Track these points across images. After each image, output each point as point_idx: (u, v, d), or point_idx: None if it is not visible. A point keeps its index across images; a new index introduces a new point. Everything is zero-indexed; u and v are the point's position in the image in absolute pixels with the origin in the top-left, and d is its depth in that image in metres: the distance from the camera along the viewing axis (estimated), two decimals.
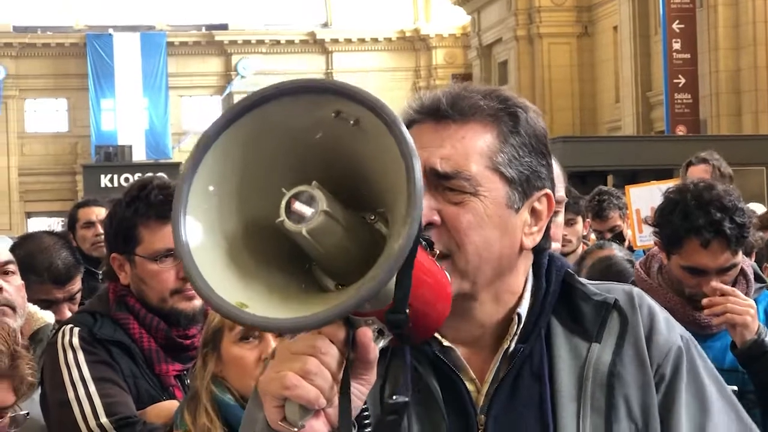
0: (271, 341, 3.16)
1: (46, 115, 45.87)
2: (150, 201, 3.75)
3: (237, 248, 1.70)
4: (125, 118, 43.44)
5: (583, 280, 2.13)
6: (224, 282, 1.65)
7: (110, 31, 44.41)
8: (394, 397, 1.77)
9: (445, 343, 2.02)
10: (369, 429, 1.80)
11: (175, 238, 1.66)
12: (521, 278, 2.07)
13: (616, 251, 6.34)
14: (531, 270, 2.10)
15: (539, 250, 2.11)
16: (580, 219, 7.04)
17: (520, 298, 2.06)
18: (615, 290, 2.09)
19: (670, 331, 2.07)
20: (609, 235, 8.33)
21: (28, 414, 3.05)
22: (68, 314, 4.88)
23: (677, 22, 28.31)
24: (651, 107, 31.26)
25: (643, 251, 7.31)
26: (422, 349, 2.00)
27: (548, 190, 2.07)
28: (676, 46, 28.34)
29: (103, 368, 3.63)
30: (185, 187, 1.67)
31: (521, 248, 2.04)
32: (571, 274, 2.12)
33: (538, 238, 2.07)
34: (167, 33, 44.77)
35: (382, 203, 1.69)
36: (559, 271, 2.10)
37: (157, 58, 43.97)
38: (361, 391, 1.75)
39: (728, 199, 4.06)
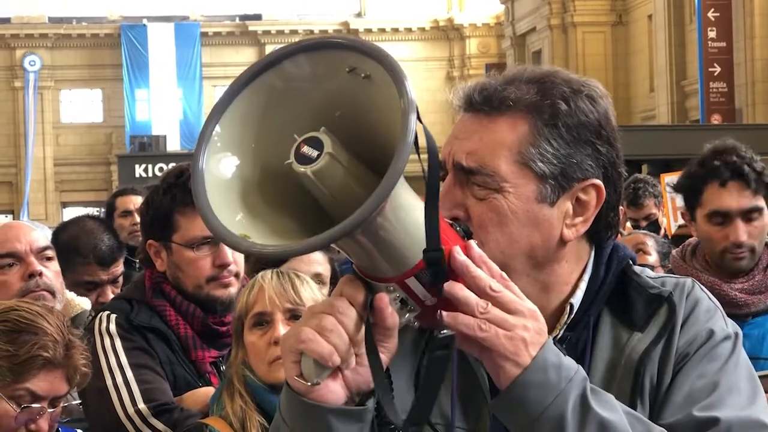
0: (280, 327, 3.20)
1: (81, 106, 46.11)
2: (187, 188, 3.71)
3: (249, 190, 1.77)
4: (159, 109, 43.60)
5: (644, 271, 2.10)
6: (231, 216, 1.73)
7: (144, 21, 44.58)
8: (443, 332, 1.74)
9: None
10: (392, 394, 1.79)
11: (193, 170, 1.76)
12: (573, 267, 2.05)
13: (642, 235, 6.36)
14: (593, 259, 2.07)
15: (601, 240, 2.08)
16: None
17: (576, 287, 2.04)
18: (669, 282, 2.06)
19: (710, 320, 2.02)
20: (644, 223, 8.30)
21: (81, 404, 3.08)
22: (111, 296, 4.94)
23: (712, 10, 28.16)
24: (686, 96, 31.11)
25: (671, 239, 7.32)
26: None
27: (596, 180, 2.02)
28: (712, 34, 28.20)
29: (140, 355, 3.65)
30: (209, 128, 1.78)
31: (562, 239, 2.01)
32: (630, 265, 2.09)
33: (582, 228, 2.03)
34: (201, 23, 44.90)
35: (388, 155, 1.69)
36: (620, 262, 2.08)
37: (191, 49, 44.11)
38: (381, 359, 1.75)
39: (744, 151, 4.12)
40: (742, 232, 4.06)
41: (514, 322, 1.75)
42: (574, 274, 2.05)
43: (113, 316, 3.72)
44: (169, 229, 3.78)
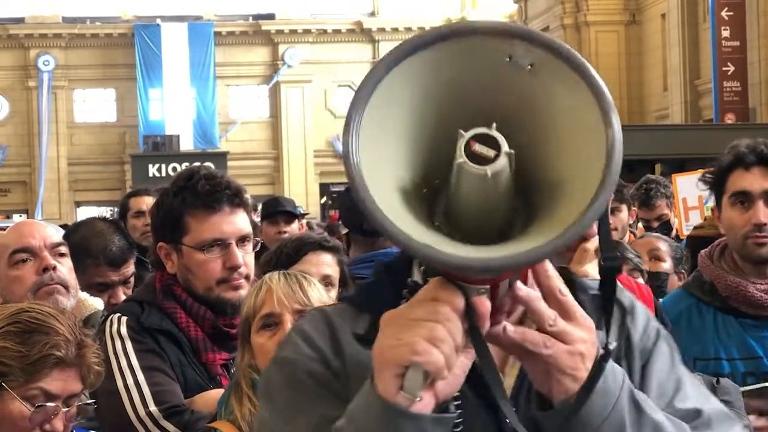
0: (288, 327, 3.18)
1: (95, 105, 46.18)
2: (197, 191, 3.75)
3: (407, 191, 1.65)
4: (173, 108, 43.65)
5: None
6: (410, 225, 1.59)
7: (158, 21, 44.63)
8: (612, 344, 1.74)
9: None
10: (460, 410, 1.74)
11: (350, 174, 1.59)
12: None
13: (654, 238, 6.34)
14: None
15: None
16: (624, 207, 7.02)
17: None
18: (593, 283, 2.07)
19: (649, 316, 2.09)
20: (656, 224, 8.31)
21: (95, 404, 3.09)
22: (122, 297, 4.95)
23: (726, 9, 28.08)
24: (699, 95, 31.03)
25: (686, 240, 7.30)
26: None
27: None
28: (725, 33, 28.12)
29: (151, 357, 3.66)
30: (353, 130, 1.60)
31: None
32: (565, 268, 2.08)
33: None
34: (214, 23, 44.93)
35: (559, 161, 1.63)
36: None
37: (204, 48, 44.15)
38: (465, 364, 1.70)
39: None
40: (762, 213, 4.02)
41: (575, 335, 1.74)
42: None
43: (124, 319, 3.73)
44: (179, 232, 3.79)
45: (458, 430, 1.76)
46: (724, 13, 28.09)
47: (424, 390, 1.64)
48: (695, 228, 7.16)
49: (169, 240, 3.82)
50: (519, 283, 1.70)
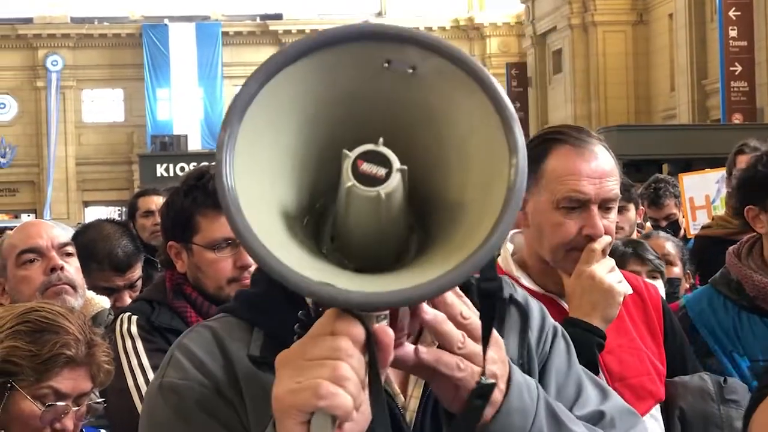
0: None
1: (103, 105, 46.24)
2: (208, 190, 3.74)
3: (292, 217, 1.50)
4: (180, 108, 43.70)
5: None
6: (299, 261, 1.42)
7: (166, 21, 44.69)
8: (484, 379, 1.62)
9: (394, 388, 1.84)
10: None
11: (221, 190, 1.41)
12: None
13: (662, 239, 6.30)
14: None
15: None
16: (632, 206, 7.01)
17: None
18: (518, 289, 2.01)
19: (545, 315, 2.03)
20: (664, 223, 8.29)
21: (105, 403, 3.10)
22: (128, 301, 4.93)
23: (733, 9, 28.06)
24: (706, 95, 31.01)
25: (693, 240, 7.29)
26: None
27: None
28: (733, 33, 28.10)
29: (161, 356, 3.59)
30: (226, 151, 1.42)
31: None
32: None
33: None
34: (222, 23, 44.98)
35: (454, 174, 1.49)
36: None
37: (212, 48, 44.20)
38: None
39: None
40: None
41: (486, 356, 1.63)
42: None
43: (134, 318, 3.74)
44: (190, 231, 3.79)
45: None
46: (731, 13, 28.06)
47: None
48: (703, 228, 7.13)
49: (180, 239, 3.82)
50: (425, 306, 1.57)
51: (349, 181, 1.42)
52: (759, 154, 4.08)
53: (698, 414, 3.36)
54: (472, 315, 1.63)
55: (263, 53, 44.75)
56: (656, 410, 3.27)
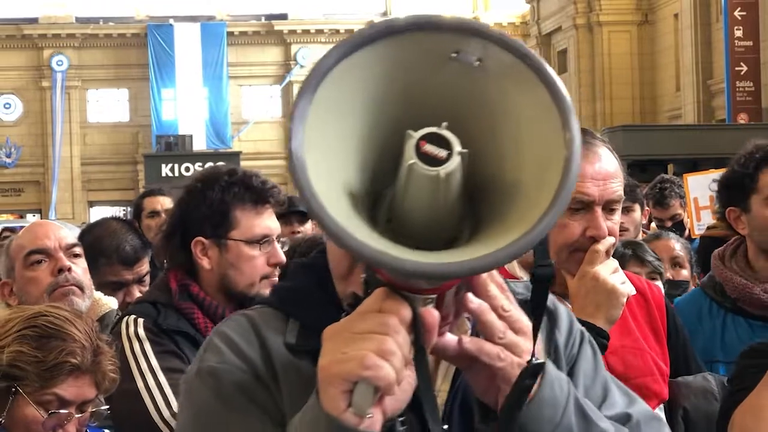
0: None
1: (108, 105, 46.24)
2: (250, 186, 3.79)
3: (354, 196, 1.56)
4: (185, 108, 43.70)
5: None
6: (360, 231, 1.48)
7: (171, 21, 44.69)
8: (535, 359, 1.68)
9: None
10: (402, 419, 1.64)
11: (295, 176, 1.48)
12: None
13: (673, 240, 6.28)
14: None
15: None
16: (637, 207, 7.01)
17: None
18: (519, 285, 2.03)
19: (572, 320, 2.07)
20: (670, 224, 8.30)
21: (109, 409, 3.11)
22: (138, 295, 4.92)
23: (739, 9, 28.04)
24: (712, 95, 30.99)
25: (698, 240, 7.28)
26: None
27: None
28: (738, 33, 28.08)
29: (170, 358, 3.65)
30: (298, 129, 1.49)
31: None
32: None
33: None
34: (227, 23, 44.98)
35: (512, 159, 1.55)
36: None
37: (217, 48, 44.20)
38: (412, 378, 1.62)
39: None
40: None
41: (524, 347, 1.69)
42: None
43: (141, 320, 3.72)
44: (225, 226, 3.78)
45: None
46: (737, 13, 28.04)
47: (373, 407, 1.55)
48: (708, 228, 7.14)
49: (211, 235, 3.79)
50: (470, 295, 1.65)
51: (411, 159, 1.49)
52: (740, 155, 4.07)
53: (702, 414, 3.37)
54: (512, 308, 1.69)
55: (268, 53, 44.80)
56: (660, 410, 3.28)
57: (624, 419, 1.94)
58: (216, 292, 3.80)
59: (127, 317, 3.79)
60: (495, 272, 1.69)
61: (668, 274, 5.87)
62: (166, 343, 3.68)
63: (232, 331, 1.92)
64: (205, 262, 3.80)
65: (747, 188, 3.99)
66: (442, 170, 1.49)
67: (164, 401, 3.55)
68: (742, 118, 27.28)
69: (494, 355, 1.66)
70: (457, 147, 1.50)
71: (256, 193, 3.79)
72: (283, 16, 45.77)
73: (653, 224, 8.44)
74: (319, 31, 45.46)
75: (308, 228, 8.37)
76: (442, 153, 1.49)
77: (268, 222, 3.82)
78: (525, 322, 1.71)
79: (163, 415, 3.53)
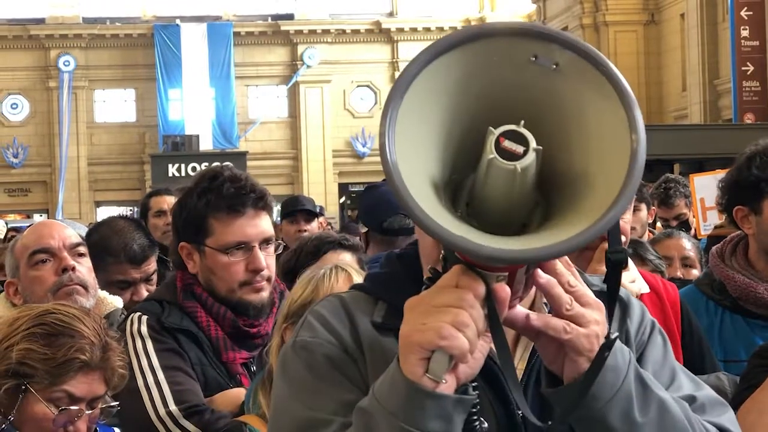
0: None
1: (115, 106, 46.29)
2: (222, 193, 3.76)
3: (437, 185, 1.70)
4: (192, 108, 43.72)
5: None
6: (444, 218, 1.64)
7: (177, 21, 44.71)
8: (613, 333, 1.82)
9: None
10: (476, 394, 1.80)
11: (387, 169, 1.63)
12: None
13: (684, 240, 6.25)
14: None
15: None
16: (644, 206, 7.01)
17: None
18: (595, 280, 2.15)
19: (644, 311, 2.18)
20: (675, 223, 8.29)
21: (118, 406, 3.12)
22: (145, 294, 4.96)
23: (745, 9, 28.01)
24: (718, 95, 30.95)
25: (706, 240, 7.27)
26: None
27: None
28: (744, 33, 28.05)
29: (171, 356, 3.66)
30: (389, 125, 1.65)
31: None
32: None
33: None
34: (233, 23, 45.01)
35: (583, 156, 1.68)
36: None
37: (223, 48, 44.23)
38: (485, 348, 1.77)
39: None
40: None
41: (589, 317, 1.82)
42: None
43: (144, 318, 3.74)
44: (202, 233, 3.79)
45: (475, 410, 1.81)
46: (743, 13, 28.01)
47: (447, 373, 1.72)
48: (716, 227, 7.13)
49: (192, 241, 3.82)
50: (540, 271, 1.79)
51: (491, 153, 1.64)
52: (750, 155, 4.05)
53: None
54: (578, 284, 1.83)
55: (275, 53, 44.83)
56: None
57: (689, 400, 2.02)
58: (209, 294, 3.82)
59: (132, 315, 3.80)
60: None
61: (678, 273, 5.86)
62: (168, 341, 3.70)
63: (325, 310, 2.08)
64: (190, 267, 3.84)
65: (762, 191, 3.97)
66: (519, 165, 1.63)
67: (161, 399, 3.56)
68: (749, 118, 27.24)
69: (560, 329, 1.79)
70: (533, 144, 1.64)
71: (227, 201, 3.77)
72: (289, 17, 45.78)
73: (659, 224, 8.43)
74: (326, 32, 45.48)
75: (314, 227, 8.40)
76: (520, 149, 1.63)
77: (245, 228, 3.79)
78: (590, 296, 1.84)
79: (159, 413, 3.55)
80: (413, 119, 1.66)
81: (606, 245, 3.08)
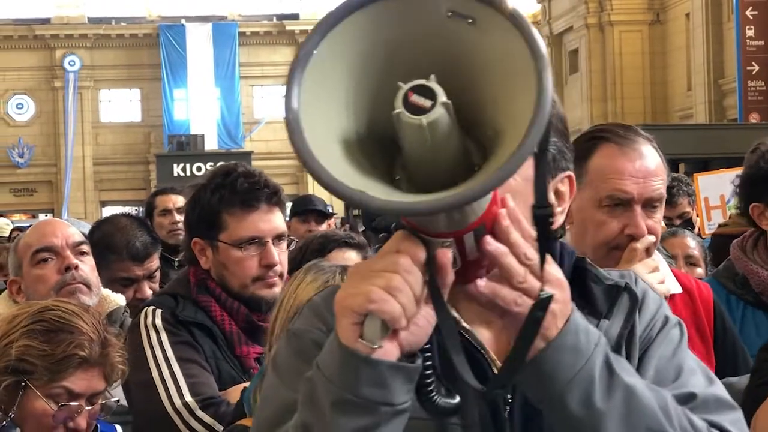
0: None
1: (120, 105, 46.36)
2: (236, 188, 3.77)
3: (350, 144, 1.66)
4: (197, 108, 43.76)
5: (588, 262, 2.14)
6: (342, 169, 1.61)
7: (182, 21, 44.77)
8: (543, 293, 1.71)
9: (464, 324, 1.99)
10: (430, 363, 1.74)
11: (288, 125, 1.60)
12: None
13: (689, 238, 6.25)
14: None
15: (553, 237, 2.03)
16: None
17: None
18: (614, 274, 2.12)
19: (660, 307, 2.10)
20: (678, 222, 8.28)
21: (118, 401, 3.12)
22: (148, 291, 5.01)
23: (750, 8, 28.00)
24: (723, 95, 30.93)
25: (710, 239, 7.27)
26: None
27: (571, 173, 2.08)
28: (750, 32, 28.04)
29: (186, 349, 3.68)
30: (294, 85, 1.62)
31: None
32: (582, 258, 2.12)
33: (561, 219, 2.07)
34: (239, 23, 45.04)
35: (494, 107, 1.64)
36: (571, 257, 2.10)
37: (228, 48, 44.27)
38: (430, 315, 1.71)
39: None
40: None
41: (546, 280, 1.74)
42: None
43: (159, 311, 3.75)
44: (216, 228, 3.80)
45: (430, 381, 1.75)
46: (748, 13, 28.00)
47: (385, 339, 1.67)
48: (720, 226, 7.13)
49: (205, 236, 3.83)
50: (488, 237, 1.71)
51: (398, 108, 1.60)
52: (762, 151, 4.04)
53: (745, 415, 3.28)
54: (537, 257, 1.73)
55: (280, 53, 44.81)
56: None
57: (688, 397, 1.95)
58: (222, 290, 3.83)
59: (147, 308, 3.81)
60: (526, 225, 1.74)
61: (683, 272, 5.84)
62: (183, 334, 3.71)
63: (320, 299, 2.07)
64: (203, 262, 3.84)
65: None
66: (425, 119, 1.58)
67: (176, 390, 3.57)
68: (754, 118, 27.22)
69: (510, 300, 1.72)
70: (441, 98, 1.59)
71: (240, 196, 3.78)
72: (294, 17, 45.80)
73: (662, 222, 8.42)
74: None
75: (324, 228, 8.38)
76: (427, 103, 1.59)
77: (259, 224, 3.80)
78: (553, 273, 1.76)
79: (174, 404, 3.55)
80: (323, 80, 1.64)
81: (636, 244, 3.08)
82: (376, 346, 1.67)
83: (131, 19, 45.84)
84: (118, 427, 3.36)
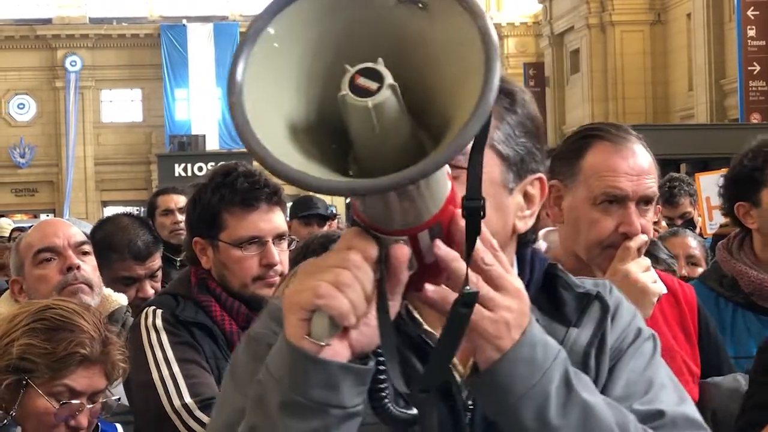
0: None
1: (121, 105, 46.38)
2: (236, 188, 3.77)
3: (294, 126, 1.62)
4: (198, 108, 43.79)
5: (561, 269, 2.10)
6: (284, 148, 1.57)
7: (184, 21, 44.79)
8: (468, 288, 1.63)
9: (426, 326, 1.94)
10: (382, 366, 1.69)
11: (231, 107, 1.57)
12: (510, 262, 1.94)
13: (690, 238, 6.25)
14: (516, 260, 2.02)
15: (524, 242, 2.04)
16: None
17: None
18: (588, 282, 2.06)
19: (634, 319, 2.05)
20: (680, 222, 8.29)
21: (119, 399, 3.13)
22: (150, 291, 5.01)
23: (752, 9, 27.99)
24: (725, 95, 30.92)
25: (712, 239, 7.27)
26: (406, 332, 1.91)
27: (542, 174, 2.01)
28: (751, 33, 28.03)
29: (186, 349, 3.67)
30: (239, 68, 1.58)
31: (513, 231, 1.97)
32: (554, 265, 2.07)
33: (530, 222, 2.01)
34: (240, 23, 45.04)
35: (444, 95, 1.60)
36: (542, 261, 2.06)
37: (230, 48, 44.21)
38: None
39: None
40: None
41: (500, 302, 1.68)
42: None
43: (159, 311, 3.74)
44: (216, 228, 3.80)
45: (383, 386, 1.70)
46: (749, 13, 27.99)
47: (334, 337, 1.62)
48: (722, 226, 7.13)
49: (206, 236, 3.83)
50: (438, 241, 1.65)
51: (344, 90, 1.56)
52: (746, 150, 4.03)
53: (731, 415, 3.24)
54: (496, 264, 1.68)
55: None
56: None
57: (655, 415, 1.90)
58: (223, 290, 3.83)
59: (147, 308, 3.81)
60: (486, 231, 1.68)
61: (684, 272, 5.85)
62: (183, 334, 3.71)
63: (279, 302, 1.97)
64: (204, 262, 3.85)
65: (757, 182, 3.94)
66: (371, 101, 1.55)
67: (176, 391, 3.57)
68: (755, 118, 27.21)
69: None
70: (388, 80, 1.55)
71: (241, 195, 3.78)
72: None
73: (663, 222, 8.43)
74: None
75: (326, 229, 8.36)
76: (374, 86, 1.55)
77: (259, 223, 3.80)
78: (511, 281, 1.70)
79: (174, 405, 3.55)
80: (272, 57, 1.61)
81: (630, 243, 3.08)
82: (323, 344, 1.61)
83: (132, 19, 45.87)
84: (119, 427, 3.36)
